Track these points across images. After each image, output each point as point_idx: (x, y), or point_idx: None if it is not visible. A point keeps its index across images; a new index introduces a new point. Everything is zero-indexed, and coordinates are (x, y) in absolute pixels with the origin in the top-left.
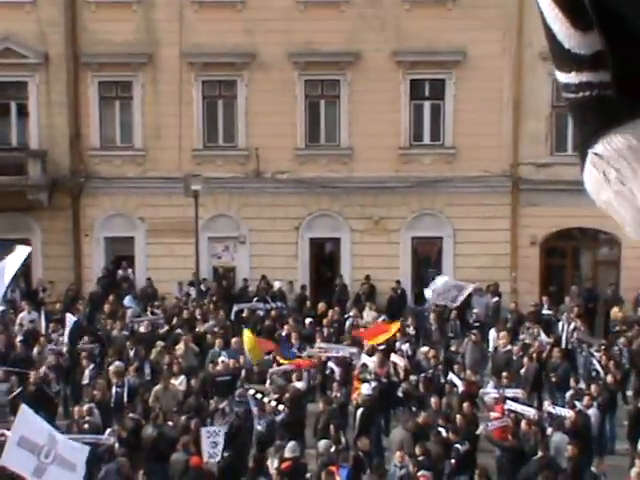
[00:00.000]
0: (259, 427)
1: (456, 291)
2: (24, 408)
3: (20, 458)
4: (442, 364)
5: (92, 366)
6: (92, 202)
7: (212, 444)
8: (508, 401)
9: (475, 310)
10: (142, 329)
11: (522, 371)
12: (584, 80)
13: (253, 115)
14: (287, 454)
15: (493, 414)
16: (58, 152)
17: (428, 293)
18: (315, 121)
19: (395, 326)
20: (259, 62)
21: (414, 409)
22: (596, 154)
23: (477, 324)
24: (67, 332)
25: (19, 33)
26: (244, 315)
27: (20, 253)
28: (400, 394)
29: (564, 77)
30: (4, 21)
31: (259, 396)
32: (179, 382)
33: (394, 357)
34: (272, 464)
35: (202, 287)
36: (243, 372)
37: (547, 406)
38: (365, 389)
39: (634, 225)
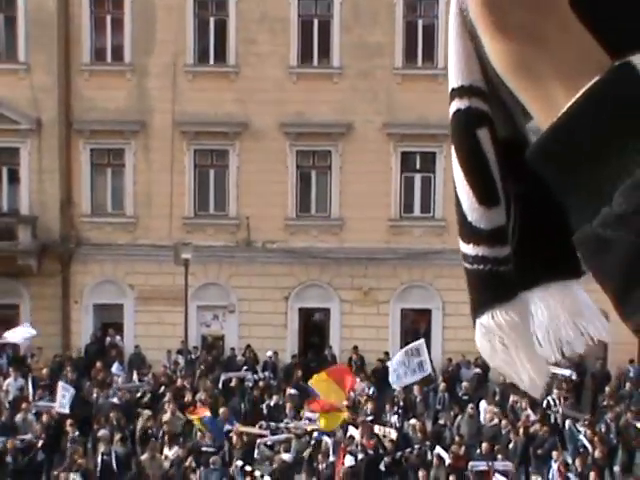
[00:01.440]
0: None
1: (415, 357)
2: None
3: None
4: (430, 437)
5: (77, 433)
6: (82, 269)
7: None
8: (496, 474)
9: (464, 383)
10: (130, 397)
11: (510, 445)
12: (479, 254)
13: (244, 184)
14: None
15: None
16: (49, 218)
17: (393, 380)
18: (306, 191)
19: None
20: (251, 132)
21: None
22: (482, 325)
23: (466, 397)
24: (62, 400)
25: (12, 99)
26: (232, 384)
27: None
28: (382, 467)
29: (463, 247)
30: None
31: (248, 468)
32: (172, 453)
33: (379, 429)
34: None
35: (192, 355)
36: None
37: None
38: (348, 461)
39: (528, 388)
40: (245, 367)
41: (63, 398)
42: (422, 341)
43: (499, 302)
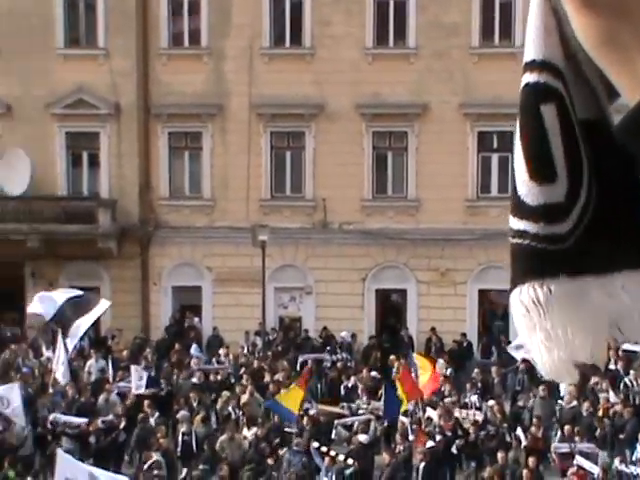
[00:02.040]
0: (325, 479)
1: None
2: (60, 453)
3: None
4: (508, 419)
5: (157, 414)
6: (161, 251)
7: None
8: (577, 456)
9: None
10: (209, 378)
11: (598, 431)
12: (521, 228)
13: (321, 166)
14: None
15: (571, 470)
16: (128, 201)
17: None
18: (382, 172)
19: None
20: (327, 113)
21: (473, 464)
22: (513, 299)
23: (545, 378)
24: (138, 382)
25: (92, 84)
26: (309, 366)
27: (100, 307)
28: (454, 450)
29: (510, 219)
30: (77, 72)
31: (324, 449)
32: (250, 434)
33: (459, 412)
34: None
35: (269, 337)
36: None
37: (617, 464)
38: (429, 443)
39: (543, 370)
40: (327, 348)
41: (139, 380)
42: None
43: (530, 279)
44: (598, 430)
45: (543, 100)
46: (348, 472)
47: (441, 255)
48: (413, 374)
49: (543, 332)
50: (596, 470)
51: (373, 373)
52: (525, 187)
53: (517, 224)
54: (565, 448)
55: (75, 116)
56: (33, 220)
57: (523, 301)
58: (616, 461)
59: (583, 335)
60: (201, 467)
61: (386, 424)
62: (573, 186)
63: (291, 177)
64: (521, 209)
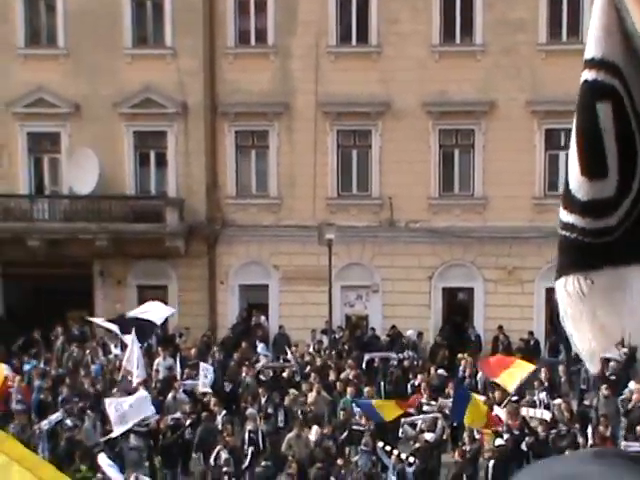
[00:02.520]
0: (393, 478)
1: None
2: (102, 457)
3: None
4: (575, 418)
5: (224, 412)
6: (228, 250)
7: None
8: None
9: (611, 363)
10: (275, 376)
11: None
12: (570, 221)
13: (387, 164)
14: None
15: None
16: (195, 200)
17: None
18: (449, 170)
19: (524, 366)
20: (393, 111)
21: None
22: (557, 288)
23: (613, 377)
24: (204, 380)
25: (159, 83)
26: (375, 365)
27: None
28: (524, 447)
29: (560, 212)
30: (145, 71)
31: (388, 448)
32: (316, 432)
33: (527, 411)
34: None
35: (335, 335)
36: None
37: None
38: (497, 441)
39: (586, 360)
40: (394, 348)
41: (205, 378)
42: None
43: (575, 270)
44: None
45: (599, 98)
46: (412, 470)
47: (508, 253)
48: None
49: (587, 321)
50: None
51: (440, 371)
52: (576, 182)
53: (566, 217)
54: (636, 447)
55: (143, 115)
56: (101, 219)
57: (568, 291)
58: None
59: (618, 319)
60: (263, 464)
61: (454, 424)
62: (624, 180)
63: (357, 175)
64: (571, 203)
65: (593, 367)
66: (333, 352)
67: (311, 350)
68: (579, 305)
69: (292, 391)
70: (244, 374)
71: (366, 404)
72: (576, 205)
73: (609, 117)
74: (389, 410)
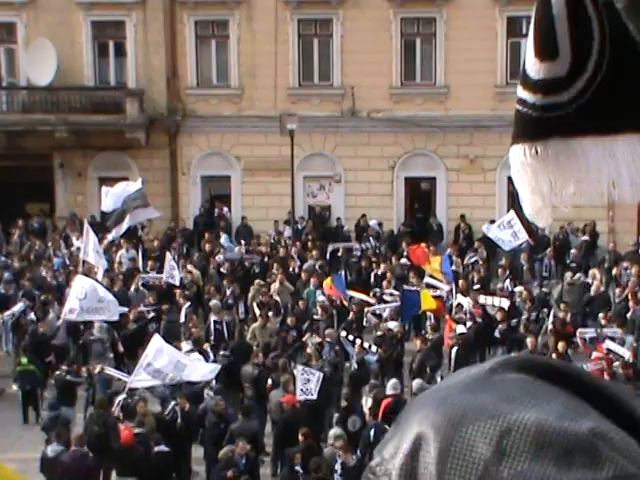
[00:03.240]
0: (355, 366)
1: (507, 229)
2: (156, 338)
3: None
4: (536, 304)
5: (188, 304)
6: (189, 141)
7: (305, 381)
8: (607, 340)
9: (572, 251)
10: (237, 267)
11: (629, 314)
12: (523, 97)
13: (349, 53)
14: (389, 391)
15: (595, 354)
16: (155, 91)
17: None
18: (411, 59)
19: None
20: (354, 0)
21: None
22: (511, 153)
23: (574, 265)
24: (170, 271)
25: None
26: (339, 254)
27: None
28: (497, 335)
29: (517, 89)
30: None
31: (351, 337)
32: (275, 320)
33: (485, 299)
34: (366, 403)
35: (298, 226)
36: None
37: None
38: (460, 328)
39: (529, 216)
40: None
41: (172, 269)
42: (512, 212)
43: (524, 140)
44: (628, 314)
45: None
46: (375, 359)
47: (470, 142)
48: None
49: (530, 185)
50: (627, 354)
51: (403, 260)
52: (530, 62)
53: (521, 93)
54: (591, 333)
55: (100, 5)
56: (60, 111)
57: (516, 158)
58: None
59: (575, 186)
60: (222, 353)
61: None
62: (577, 62)
63: (319, 65)
64: (525, 81)
65: (540, 223)
66: (297, 243)
67: (272, 241)
68: (525, 170)
69: (257, 281)
70: (206, 265)
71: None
72: (529, 83)
73: (562, 4)
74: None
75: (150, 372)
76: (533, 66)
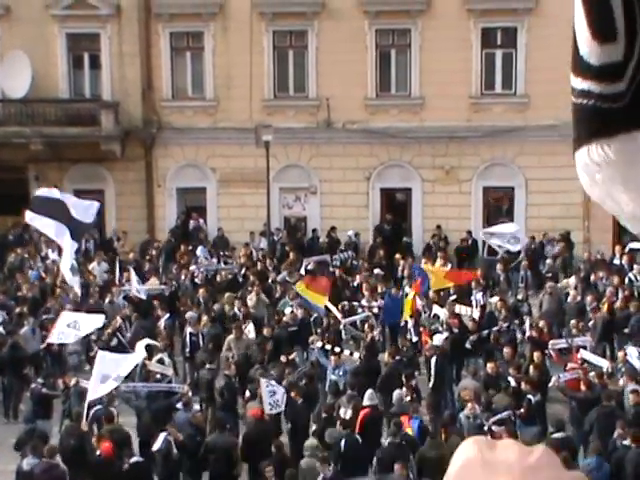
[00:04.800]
0: (333, 377)
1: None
2: (101, 353)
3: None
4: (511, 314)
5: (167, 315)
6: (164, 153)
7: (271, 393)
8: (582, 350)
9: (547, 260)
10: (216, 278)
11: (591, 322)
12: (585, 88)
13: (324, 65)
14: (365, 402)
15: (570, 364)
16: (130, 103)
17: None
18: (386, 70)
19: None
20: (329, 11)
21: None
22: (579, 158)
23: (549, 274)
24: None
25: None
26: (311, 268)
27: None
28: (468, 346)
29: (572, 80)
30: None
31: (328, 347)
32: (248, 330)
33: (462, 308)
34: (345, 413)
35: (274, 237)
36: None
37: (629, 357)
38: (437, 339)
39: (627, 222)
40: (333, 250)
41: (138, 283)
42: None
43: (597, 137)
44: (600, 324)
45: None
46: (353, 368)
47: (445, 153)
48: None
49: (620, 184)
50: (605, 364)
51: (377, 271)
52: (588, 47)
53: (581, 84)
54: (562, 344)
55: (75, 17)
56: (35, 123)
57: (593, 159)
58: (626, 352)
59: (621, 189)
60: (208, 367)
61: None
62: (629, 44)
63: (294, 76)
64: (584, 69)
65: (635, 228)
66: (275, 255)
67: (249, 253)
68: (608, 170)
69: (229, 294)
70: (183, 277)
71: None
72: (590, 71)
73: None
74: (314, 297)
75: (105, 381)
76: (592, 50)
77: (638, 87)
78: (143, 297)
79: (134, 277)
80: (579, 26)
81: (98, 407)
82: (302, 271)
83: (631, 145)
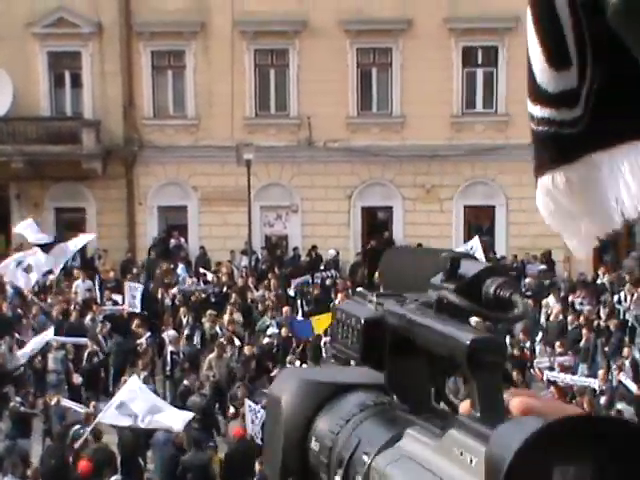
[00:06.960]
0: None
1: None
2: (134, 379)
3: (116, 419)
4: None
5: (148, 334)
6: (145, 171)
7: (253, 417)
8: (570, 376)
9: (527, 279)
10: (194, 297)
11: (582, 342)
12: (545, 115)
13: (305, 83)
14: None
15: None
16: (112, 121)
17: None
18: (367, 89)
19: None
20: (310, 30)
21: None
22: (542, 185)
23: (529, 293)
24: (131, 300)
25: (73, 3)
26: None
27: (83, 239)
28: None
29: (530, 108)
30: None
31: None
32: (229, 351)
33: None
34: None
35: (256, 256)
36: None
37: (618, 375)
38: None
39: (577, 251)
40: (314, 268)
41: (133, 298)
42: (476, 239)
43: (560, 164)
44: (582, 343)
45: None
46: None
47: (427, 172)
48: None
49: (579, 211)
50: (596, 383)
51: (359, 289)
52: (544, 74)
53: (540, 112)
54: (545, 362)
55: (56, 35)
56: (16, 142)
57: (557, 187)
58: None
59: (601, 203)
60: (185, 383)
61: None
62: (581, 69)
63: (275, 95)
64: (542, 96)
65: (581, 250)
66: (254, 272)
67: (228, 271)
68: (568, 197)
69: (210, 312)
70: (161, 296)
71: (300, 322)
72: (549, 98)
73: (564, 3)
74: (321, 322)
75: (122, 412)
76: (549, 78)
77: (593, 111)
78: (138, 311)
79: (130, 291)
80: (534, 54)
81: (77, 427)
82: (291, 292)
83: (592, 168)
